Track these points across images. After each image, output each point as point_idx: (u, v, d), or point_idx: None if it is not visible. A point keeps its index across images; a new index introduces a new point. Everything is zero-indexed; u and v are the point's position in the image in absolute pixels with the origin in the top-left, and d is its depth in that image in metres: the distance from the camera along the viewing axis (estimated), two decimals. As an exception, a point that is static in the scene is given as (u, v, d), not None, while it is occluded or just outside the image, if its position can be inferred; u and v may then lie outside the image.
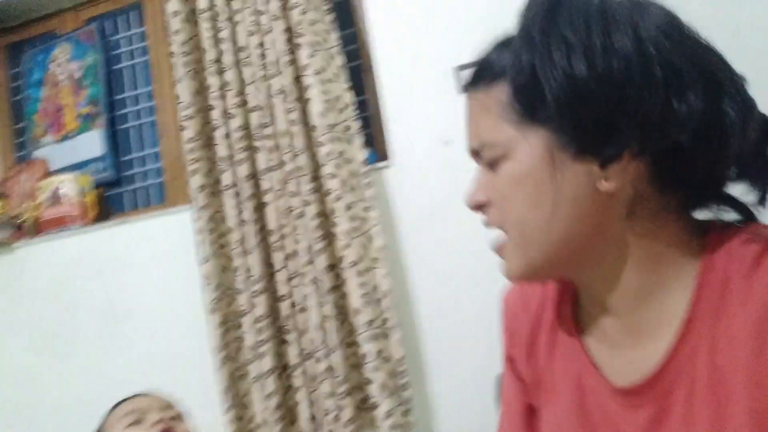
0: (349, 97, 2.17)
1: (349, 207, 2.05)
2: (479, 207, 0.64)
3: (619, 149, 0.54)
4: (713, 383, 0.53)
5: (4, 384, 2.57)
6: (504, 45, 0.61)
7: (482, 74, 0.62)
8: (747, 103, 0.55)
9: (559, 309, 0.70)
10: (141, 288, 2.44)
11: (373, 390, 1.97)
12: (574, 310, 0.68)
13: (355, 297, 2.00)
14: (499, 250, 0.64)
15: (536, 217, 0.58)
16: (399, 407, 1.97)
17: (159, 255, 2.43)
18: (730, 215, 0.61)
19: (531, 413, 0.73)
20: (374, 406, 1.97)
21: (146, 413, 1.02)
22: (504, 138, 0.59)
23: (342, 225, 2.04)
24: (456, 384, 2.08)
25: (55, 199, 2.62)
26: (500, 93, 0.60)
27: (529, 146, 0.58)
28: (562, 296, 0.70)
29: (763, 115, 0.57)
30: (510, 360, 0.76)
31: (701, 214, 0.62)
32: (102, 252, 2.51)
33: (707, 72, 0.54)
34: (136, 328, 2.42)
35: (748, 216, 0.60)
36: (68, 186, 2.60)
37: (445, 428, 2.09)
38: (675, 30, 0.55)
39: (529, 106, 0.57)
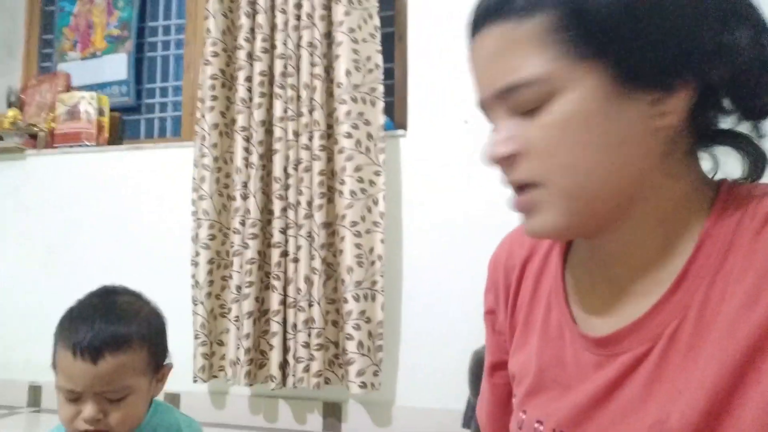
0: (378, 60, 2.15)
1: (359, 168, 2.06)
2: (504, 160, 0.55)
3: (676, 80, 0.51)
4: (693, 337, 0.52)
5: (2, 287, 2.63)
6: None
7: (513, 3, 0.53)
8: None
9: (547, 263, 0.68)
10: (144, 214, 2.48)
11: (351, 347, 2.00)
12: (563, 265, 0.66)
13: (349, 256, 2.02)
14: (527, 205, 0.56)
15: (588, 162, 0.52)
16: (371, 367, 2.01)
17: (167, 185, 2.46)
18: (737, 171, 0.58)
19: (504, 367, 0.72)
20: (348, 362, 2.00)
21: (83, 388, 0.86)
22: (548, 74, 0.52)
23: (348, 185, 2.04)
24: (428, 355, 2.10)
25: (73, 114, 2.64)
26: (540, 22, 0.52)
27: (579, 81, 0.51)
28: (550, 251, 0.68)
29: None
30: (490, 313, 0.75)
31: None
32: (111, 174, 2.54)
33: (751, 5, 0.53)
34: (132, 252, 2.46)
35: (755, 156, 0.57)
36: (88, 104, 2.62)
37: (409, 394, 2.13)
38: None
39: (580, 35, 0.51)
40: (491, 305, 0.76)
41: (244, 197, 2.16)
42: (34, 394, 2.51)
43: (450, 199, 2.12)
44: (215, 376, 2.19)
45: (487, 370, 0.77)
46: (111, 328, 0.89)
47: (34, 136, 2.67)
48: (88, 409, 0.87)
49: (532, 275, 0.69)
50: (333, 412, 2.18)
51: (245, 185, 2.17)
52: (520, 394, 0.66)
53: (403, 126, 2.26)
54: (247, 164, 2.18)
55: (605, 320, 0.59)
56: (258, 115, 2.17)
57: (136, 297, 0.98)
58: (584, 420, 0.58)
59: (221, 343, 2.19)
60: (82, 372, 0.86)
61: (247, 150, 2.19)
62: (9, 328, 2.59)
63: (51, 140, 2.66)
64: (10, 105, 2.76)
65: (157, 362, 0.95)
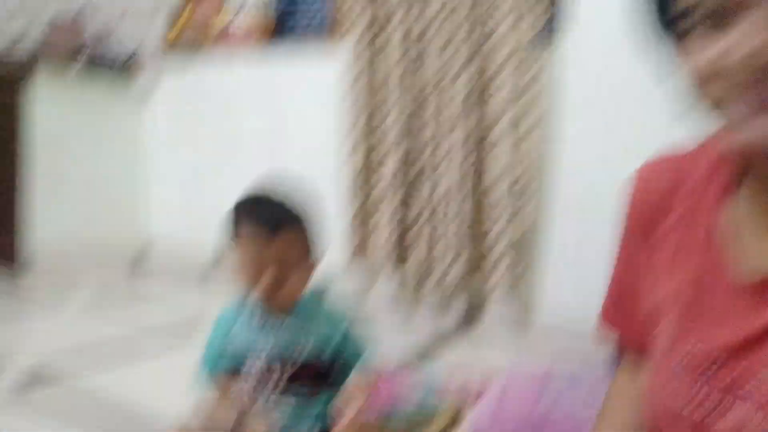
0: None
1: (516, 69, 2.02)
2: None
3: None
4: None
5: (178, 177, 3.03)
6: None
7: None
8: None
9: (700, 198, 0.64)
10: (298, 120, 2.65)
11: (497, 248, 2.06)
12: (722, 197, 0.62)
13: (502, 157, 2.05)
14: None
15: None
16: (514, 269, 2.05)
17: (321, 90, 2.56)
18: None
19: (632, 291, 0.71)
20: (493, 263, 2.07)
21: (262, 259, 1.02)
22: None
23: (506, 86, 2.02)
24: (574, 261, 2.09)
25: (238, 15, 2.82)
26: None
27: None
28: (704, 186, 0.64)
29: None
30: (626, 234, 0.73)
31: None
32: (269, 79, 2.74)
33: None
34: (288, 155, 2.66)
35: None
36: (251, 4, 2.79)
37: (550, 300, 2.15)
38: None
39: None
40: (628, 224, 0.73)
41: (392, 104, 2.21)
42: (205, 272, 2.84)
43: (611, 101, 2.01)
44: (362, 265, 2.34)
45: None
46: (284, 209, 1.05)
47: (205, 35, 2.89)
48: (267, 274, 1.01)
49: (678, 211, 0.66)
50: (472, 310, 2.25)
51: (393, 90, 2.21)
52: (665, 326, 0.64)
53: (563, 26, 2.13)
54: (396, 70, 2.21)
55: (762, 263, 0.57)
56: (408, 19, 2.16)
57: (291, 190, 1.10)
58: (736, 360, 0.56)
59: (365, 246, 2.33)
60: (262, 243, 1.00)
61: (395, 55, 2.21)
62: (184, 216, 2.97)
63: (219, 39, 2.87)
64: (173, 20, 3.00)
65: (314, 247, 1.09)
